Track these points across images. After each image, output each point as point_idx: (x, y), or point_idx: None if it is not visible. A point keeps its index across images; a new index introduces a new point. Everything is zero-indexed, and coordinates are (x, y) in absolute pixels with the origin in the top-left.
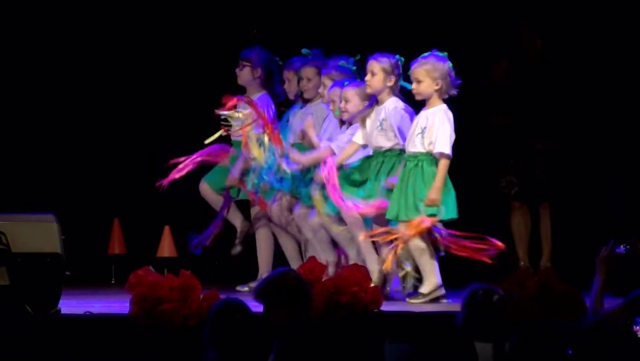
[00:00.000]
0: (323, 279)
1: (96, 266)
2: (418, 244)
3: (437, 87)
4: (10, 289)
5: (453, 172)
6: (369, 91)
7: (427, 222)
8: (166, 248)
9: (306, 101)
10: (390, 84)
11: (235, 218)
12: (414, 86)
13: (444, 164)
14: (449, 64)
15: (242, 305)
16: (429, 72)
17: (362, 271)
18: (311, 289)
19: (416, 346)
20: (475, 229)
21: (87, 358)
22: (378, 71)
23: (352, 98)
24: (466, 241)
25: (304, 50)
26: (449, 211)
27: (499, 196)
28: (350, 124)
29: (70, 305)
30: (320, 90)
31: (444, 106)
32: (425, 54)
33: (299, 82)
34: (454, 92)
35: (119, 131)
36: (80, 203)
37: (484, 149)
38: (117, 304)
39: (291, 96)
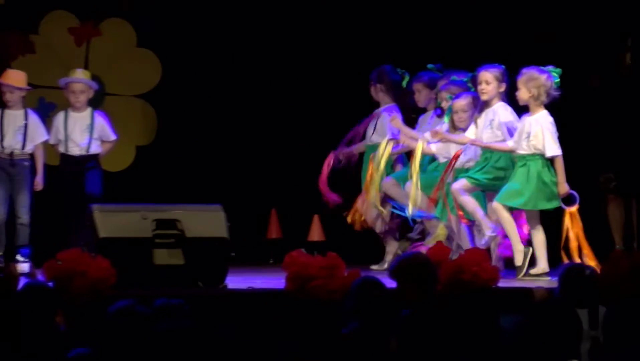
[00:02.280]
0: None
1: (257, 248)
2: (538, 234)
3: (530, 95)
4: (185, 268)
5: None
6: (484, 98)
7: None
8: (316, 233)
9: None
10: (501, 90)
11: (391, 242)
12: (517, 93)
13: (559, 162)
14: (547, 77)
15: (378, 282)
16: (524, 82)
17: (481, 253)
18: (437, 269)
19: (527, 315)
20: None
21: (249, 327)
22: (492, 80)
23: (469, 108)
24: None
25: (429, 66)
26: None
27: (597, 190)
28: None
29: (235, 281)
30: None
31: (545, 112)
32: (531, 66)
33: (436, 94)
34: (547, 100)
35: (276, 134)
36: (244, 196)
37: (583, 150)
38: (274, 281)
39: (420, 105)
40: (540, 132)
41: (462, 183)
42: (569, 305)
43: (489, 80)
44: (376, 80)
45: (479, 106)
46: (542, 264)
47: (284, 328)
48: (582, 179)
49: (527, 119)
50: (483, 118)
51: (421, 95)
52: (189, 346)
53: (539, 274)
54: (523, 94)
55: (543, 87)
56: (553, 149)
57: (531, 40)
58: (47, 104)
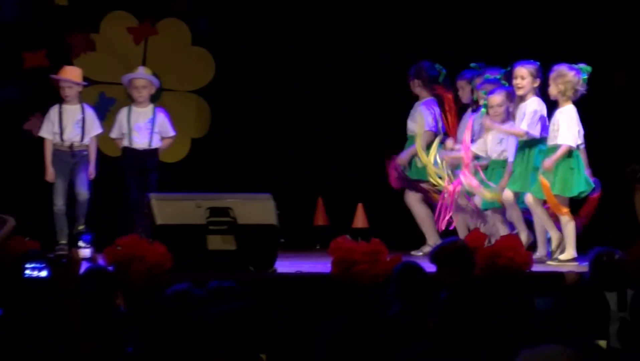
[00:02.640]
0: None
1: (304, 235)
2: (566, 220)
3: (559, 90)
4: (237, 254)
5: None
6: (519, 93)
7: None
8: (360, 220)
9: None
10: (535, 85)
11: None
12: (548, 89)
13: (563, 148)
14: (575, 73)
15: (418, 266)
16: (554, 79)
17: (516, 239)
18: (474, 255)
19: (559, 298)
20: (605, 207)
21: (297, 308)
22: (527, 75)
23: (504, 103)
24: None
25: (472, 64)
26: (580, 185)
27: (625, 180)
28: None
29: (284, 266)
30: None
31: (571, 106)
32: (562, 63)
33: (473, 90)
34: (575, 96)
35: (322, 128)
36: (292, 185)
37: (611, 142)
38: (321, 265)
39: (464, 101)
40: (561, 123)
41: (509, 195)
42: (599, 289)
43: (524, 75)
44: (414, 75)
45: (514, 100)
46: (570, 251)
47: (329, 310)
48: (610, 169)
49: (556, 112)
50: (518, 113)
51: (464, 92)
52: (242, 326)
53: (568, 260)
54: (552, 90)
55: (570, 83)
56: (564, 138)
57: (535, 40)
58: (107, 99)
